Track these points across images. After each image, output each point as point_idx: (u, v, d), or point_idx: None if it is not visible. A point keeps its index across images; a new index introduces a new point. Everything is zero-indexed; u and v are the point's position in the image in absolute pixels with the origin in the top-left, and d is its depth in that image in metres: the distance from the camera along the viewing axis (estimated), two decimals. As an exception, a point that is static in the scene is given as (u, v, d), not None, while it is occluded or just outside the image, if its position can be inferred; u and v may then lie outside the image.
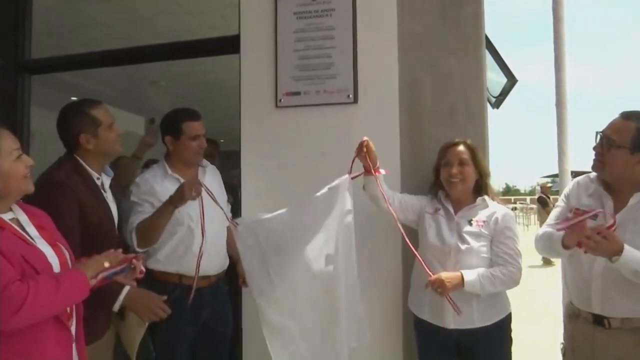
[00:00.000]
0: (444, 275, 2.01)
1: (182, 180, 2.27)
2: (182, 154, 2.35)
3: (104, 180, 2.10)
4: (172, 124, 2.36)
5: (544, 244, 2.00)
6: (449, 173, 2.16)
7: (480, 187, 2.20)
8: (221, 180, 2.54)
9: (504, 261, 2.05)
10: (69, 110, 2.05)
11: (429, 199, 2.27)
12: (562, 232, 1.89)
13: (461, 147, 2.18)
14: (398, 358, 2.38)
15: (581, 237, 1.68)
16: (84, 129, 1.99)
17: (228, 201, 2.58)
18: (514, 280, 2.05)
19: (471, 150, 2.18)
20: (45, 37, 3.87)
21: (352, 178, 2.10)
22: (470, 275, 2.02)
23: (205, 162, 2.47)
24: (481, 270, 2.04)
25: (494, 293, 2.07)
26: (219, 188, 2.43)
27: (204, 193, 2.12)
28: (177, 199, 2.11)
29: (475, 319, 2.07)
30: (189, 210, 2.21)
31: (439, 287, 1.98)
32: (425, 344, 2.21)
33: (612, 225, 1.74)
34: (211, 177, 2.44)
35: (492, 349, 2.09)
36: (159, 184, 2.30)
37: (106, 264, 1.51)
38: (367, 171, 2.11)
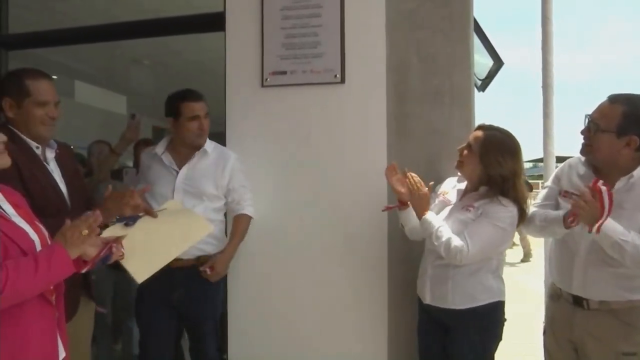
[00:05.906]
0: (422, 195, 2.02)
1: (174, 165, 2.37)
2: (183, 134, 2.37)
3: (47, 153, 1.95)
4: (171, 106, 2.40)
5: (540, 224, 1.97)
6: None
7: (499, 189, 1.97)
8: (227, 165, 2.41)
9: (463, 237, 1.93)
10: (8, 73, 2.00)
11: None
12: (558, 212, 1.90)
13: (478, 132, 2.04)
14: (383, 335, 2.40)
15: (575, 201, 1.70)
16: (8, 92, 1.87)
17: None
18: (457, 256, 1.90)
19: (485, 143, 1.98)
20: (24, 12, 3.74)
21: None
22: (432, 216, 2.01)
23: (209, 144, 2.41)
24: (445, 227, 1.97)
25: (473, 279, 2.00)
26: (212, 174, 2.38)
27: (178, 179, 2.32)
28: None
29: (449, 299, 2.03)
30: (161, 190, 2.31)
31: (417, 189, 2.01)
32: (420, 320, 2.23)
33: (596, 182, 1.70)
34: (207, 163, 2.39)
35: (468, 335, 2.02)
36: (148, 165, 2.44)
37: (85, 232, 1.40)
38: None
